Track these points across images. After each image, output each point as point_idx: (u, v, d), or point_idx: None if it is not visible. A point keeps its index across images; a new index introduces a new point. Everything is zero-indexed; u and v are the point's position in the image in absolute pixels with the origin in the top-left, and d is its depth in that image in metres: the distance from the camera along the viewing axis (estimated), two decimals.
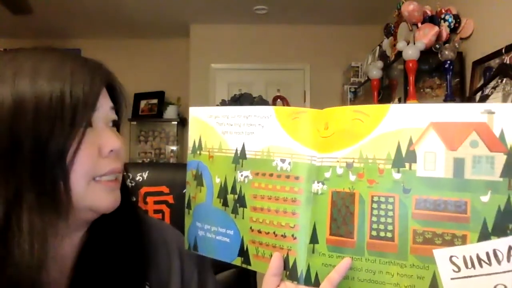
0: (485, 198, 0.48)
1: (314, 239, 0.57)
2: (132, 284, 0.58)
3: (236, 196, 0.63)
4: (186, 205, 0.70)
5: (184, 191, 0.79)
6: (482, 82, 2.00)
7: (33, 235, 0.50)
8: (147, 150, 4.21)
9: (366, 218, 0.54)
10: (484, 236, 0.48)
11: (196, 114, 0.69)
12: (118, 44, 4.16)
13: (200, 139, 0.68)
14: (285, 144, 0.60)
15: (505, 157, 0.48)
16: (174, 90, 4.08)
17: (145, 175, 0.93)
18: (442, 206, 0.50)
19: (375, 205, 0.53)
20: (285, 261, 0.58)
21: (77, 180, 0.53)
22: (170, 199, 0.91)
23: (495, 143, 0.48)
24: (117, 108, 0.62)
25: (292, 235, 0.58)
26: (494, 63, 1.93)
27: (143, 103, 4.13)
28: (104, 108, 0.58)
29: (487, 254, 0.48)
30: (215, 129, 0.66)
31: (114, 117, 0.61)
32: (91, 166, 0.55)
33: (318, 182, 0.57)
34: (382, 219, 0.53)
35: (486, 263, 0.48)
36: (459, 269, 0.49)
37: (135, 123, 4.18)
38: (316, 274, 0.56)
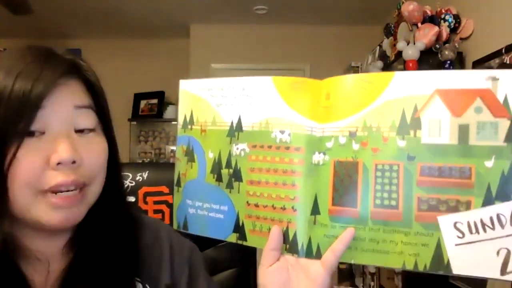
0: (489, 164, 0.49)
1: (315, 211, 0.56)
2: (122, 280, 0.57)
3: (231, 171, 0.61)
4: (175, 182, 0.67)
5: None
6: None
7: None
8: (147, 150, 4.21)
9: (370, 187, 0.53)
10: (488, 201, 0.49)
11: (187, 88, 0.67)
12: (118, 44, 4.16)
13: (191, 113, 0.66)
14: (285, 115, 0.58)
15: (508, 122, 0.49)
16: (174, 90, 4.02)
17: (145, 175, 0.92)
18: (447, 173, 0.50)
19: (379, 173, 0.53)
20: (285, 234, 0.57)
21: (18, 190, 0.48)
22: (170, 199, 0.91)
23: (499, 109, 0.49)
24: (97, 107, 0.56)
25: (292, 207, 0.57)
26: (494, 63, 1.93)
27: (143, 103, 4.13)
28: (64, 110, 0.51)
29: (491, 218, 0.49)
30: (208, 102, 0.64)
31: (80, 122, 0.53)
32: (33, 177, 0.49)
33: (319, 153, 0.56)
34: (386, 187, 0.53)
35: (490, 227, 0.49)
36: (463, 235, 0.50)
37: (135, 123, 4.18)
38: (318, 246, 0.56)
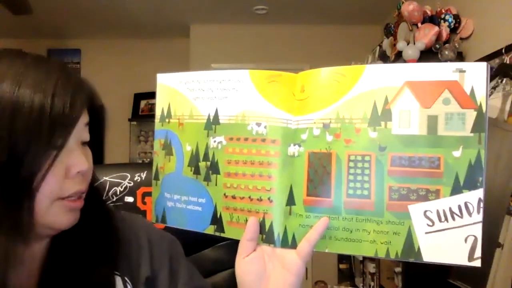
0: (457, 153, 0.51)
1: (290, 201, 0.57)
2: (101, 275, 0.58)
3: (209, 163, 0.62)
4: (153, 176, 0.68)
5: None
6: None
7: None
8: (147, 150, 4.21)
9: (343, 177, 0.55)
10: (456, 190, 0.51)
11: (164, 81, 0.67)
12: (118, 44, 4.16)
13: (169, 107, 0.66)
14: (261, 108, 0.59)
15: (475, 113, 0.50)
16: None
17: (143, 175, 0.92)
18: (417, 162, 0.52)
19: (351, 164, 0.54)
20: (261, 225, 0.58)
21: (41, 200, 0.51)
22: None
23: (466, 100, 0.51)
24: (93, 123, 0.60)
25: (268, 198, 0.58)
26: (494, 63, 1.92)
27: (143, 103, 4.13)
28: (79, 127, 0.56)
29: (459, 207, 0.51)
30: (185, 95, 0.64)
31: (86, 136, 0.58)
32: (57, 187, 0.53)
33: (294, 145, 0.57)
34: (359, 178, 0.54)
35: (458, 215, 0.51)
36: (433, 223, 0.51)
37: (135, 123, 4.18)
38: (293, 236, 0.57)
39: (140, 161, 4.07)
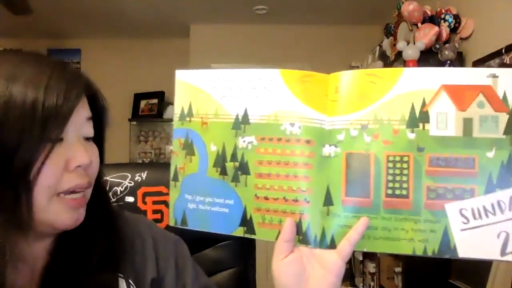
0: (490, 154, 0.53)
1: (328, 201, 0.57)
2: (104, 277, 0.58)
3: (237, 164, 0.60)
4: (171, 177, 0.66)
5: None
6: None
7: None
8: (147, 150, 4.21)
9: (382, 178, 0.56)
10: (490, 188, 0.53)
11: (184, 78, 0.65)
12: (118, 44, 4.16)
13: (190, 105, 0.64)
14: (294, 108, 0.59)
15: (507, 116, 0.53)
16: (174, 90, 4.07)
17: (144, 175, 0.92)
18: (453, 163, 0.54)
19: (390, 165, 0.56)
20: (297, 225, 0.58)
21: (38, 194, 0.51)
22: (169, 199, 0.91)
23: (499, 104, 0.53)
24: (96, 118, 0.59)
25: (305, 199, 0.58)
26: (494, 63, 1.93)
27: (143, 103, 4.13)
28: (78, 120, 0.55)
29: (492, 205, 0.53)
30: (210, 94, 0.62)
31: (88, 131, 0.57)
32: (54, 181, 0.52)
33: (330, 145, 0.57)
34: (398, 178, 0.55)
35: (491, 213, 0.53)
36: (468, 221, 0.54)
37: (135, 123, 4.18)
38: (332, 236, 0.57)
39: (140, 161, 4.08)
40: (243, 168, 0.60)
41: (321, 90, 0.58)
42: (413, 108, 0.55)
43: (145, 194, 0.91)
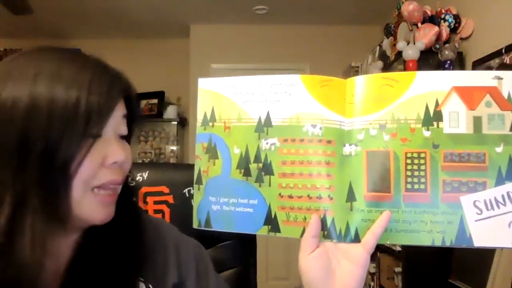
0: (499, 149, 0.58)
1: (351, 197, 0.60)
2: (125, 280, 0.58)
3: (261, 165, 0.64)
4: (195, 181, 0.69)
5: (184, 191, 0.79)
6: None
7: (35, 238, 0.49)
8: (147, 150, 4.21)
9: (401, 173, 0.59)
10: (500, 181, 0.57)
11: (206, 86, 0.69)
12: (118, 44, 4.16)
13: (212, 111, 0.68)
14: (315, 110, 0.62)
15: None
16: (174, 90, 4.08)
17: (145, 175, 0.92)
18: (466, 158, 0.58)
19: (409, 161, 0.59)
20: (322, 221, 0.61)
21: (76, 186, 0.53)
22: (170, 199, 0.91)
23: (505, 103, 0.58)
24: (130, 117, 0.61)
25: (328, 196, 0.61)
26: (494, 63, 1.93)
27: (143, 103, 4.13)
28: (116, 118, 0.57)
29: (503, 196, 0.57)
30: (232, 99, 0.66)
31: (124, 130, 0.59)
32: (91, 175, 0.54)
33: (350, 145, 0.61)
34: (416, 173, 0.59)
35: (502, 204, 0.57)
36: (481, 212, 0.58)
37: None
38: (356, 230, 0.60)
39: (140, 161, 4.07)
40: (267, 169, 0.64)
41: (339, 93, 0.62)
42: (427, 108, 0.59)
43: (146, 194, 0.91)
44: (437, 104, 0.59)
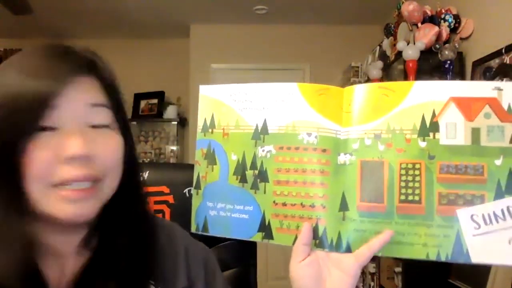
0: (498, 162, 0.56)
1: (343, 207, 0.60)
2: (137, 283, 0.57)
3: (257, 172, 0.64)
4: (194, 185, 0.69)
5: (185, 191, 0.79)
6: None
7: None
8: (147, 150, 4.21)
9: (395, 184, 0.58)
10: (499, 195, 0.55)
11: (207, 93, 0.69)
12: (118, 44, 4.15)
13: (212, 117, 0.68)
14: (311, 119, 0.62)
15: None
16: (174, 90, 4.08)
17: (145, 175, 0.92)
18: (463, 170, 0.57)
19: (403, 172, 0.58)
20: (314, 230, 0.60)
21: (32, 184, 0.49)
22: (170, 199, 0.91)
23: (505, 115, 0.56)
24: (112, 105, 0.55)
25: (321, 205, 0.60)
26: (494, 63, 1.93)
27: (143, 103, 4.13)
28: (76, 107, 0.51)
29: (502, 210, 0.55)
30: (231, 106, 0.67)
31: (97, 118, 0.53)
32: (44, 172, 0.49)
33: (344, 154, 0.60)
34: (410, 184, 0.58)
35: (501, 218, 0.55)
36: (479, 226, 0.56)
37: (135, 123, 4.17)
38: (348, 240, 0.59)
39: (140, 161, 4.07)
40: (262, 176, 0.64)
41: (336, 102, 0.62)
42: (423, 118, 0.58)
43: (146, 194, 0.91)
44: (434, 114, 0.58)
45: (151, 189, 0.91)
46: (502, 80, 1.74)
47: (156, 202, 0.91)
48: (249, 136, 0.65)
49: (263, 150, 0.64)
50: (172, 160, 4.13)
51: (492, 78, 1.84)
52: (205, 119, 0.69)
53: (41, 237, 0.54)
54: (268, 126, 0.64)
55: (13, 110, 0.48)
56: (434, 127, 0.58)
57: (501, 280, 1.53)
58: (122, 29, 3.98)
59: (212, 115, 0.68)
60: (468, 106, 0.57)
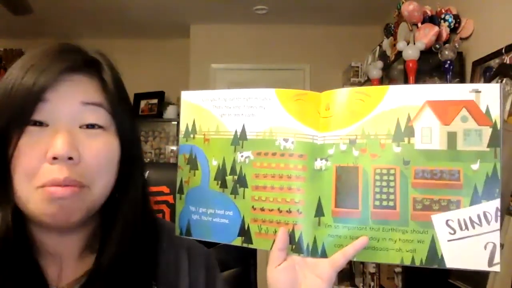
0: (475, 166, 0.55)
1: (319, 212, 0.60)
2: (140, 285, 0.57)
3: (236, 177, 0.64)
4: (177, 190, 0.70)
5: None
6: (482, 82, 2.00)
7: None
8: (147, 150, 4.21)
9: (369, 190, 0.58)
10: (475, 200, 0.55)
11: (189, 98, 0.70)
12: (118, 44, 4.14)
13: (193, 123, 0.69)
14: (288, 124, 0.62)
15: (490, 130, 0.55)
16: (174, 90, 4.07)
17: (146, 175, 0.92)
18: (438, 175, 0.56)
19: (377, 177, 0.58)
20: (290, 235, 0.61)
21: (19, 182, 0.49)
22: (170, 199, 0.91)
23: (482, 118, 0.55)
24: (110, 106, 0.55)
25: (298, 210, 0.61)
26: (494, 63, 1.93)
27: (143, 103, 4.13)
28: (69, 104, 0.51)
29: (478, 216, 0.55)
30: (211, 112, 0.67)
31: (89, 118, 0.52)
32: (31, 169, 0.49)
33: (321, 159, 0.60)
34: (385, 190, 0.58)
35: (478, 224, 0.55)
36: (455, 232, 0.55)
37: None
38: (323, 245, 0.60)
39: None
40: (241, 181, 0.64)
41: (313, 107, 0.62)
42: (398, 123, 0.57)
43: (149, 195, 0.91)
44: (409, 119, 0.57)
45: (151, 189, 0.91)
46: (502, 80, 1.74)
47: (156, 202, 0.91)
48: (228, 142, 0.65)
49: (242, 156, 0.64)
50: (172, 160, 4.13)
51: (492, 78, 1.84)
52: (187, 124, 0.69)
53: (40, 236, 0.54)
54: (247, 132, 0.65)
55: (7, 102, 0.49)
56: (409, 131, 0.57)
57: (501, 280, 1.53)
58: (122, 29, 3.98)
59: (194, 120, 0.68)
60: (444, 110, 0.56)
